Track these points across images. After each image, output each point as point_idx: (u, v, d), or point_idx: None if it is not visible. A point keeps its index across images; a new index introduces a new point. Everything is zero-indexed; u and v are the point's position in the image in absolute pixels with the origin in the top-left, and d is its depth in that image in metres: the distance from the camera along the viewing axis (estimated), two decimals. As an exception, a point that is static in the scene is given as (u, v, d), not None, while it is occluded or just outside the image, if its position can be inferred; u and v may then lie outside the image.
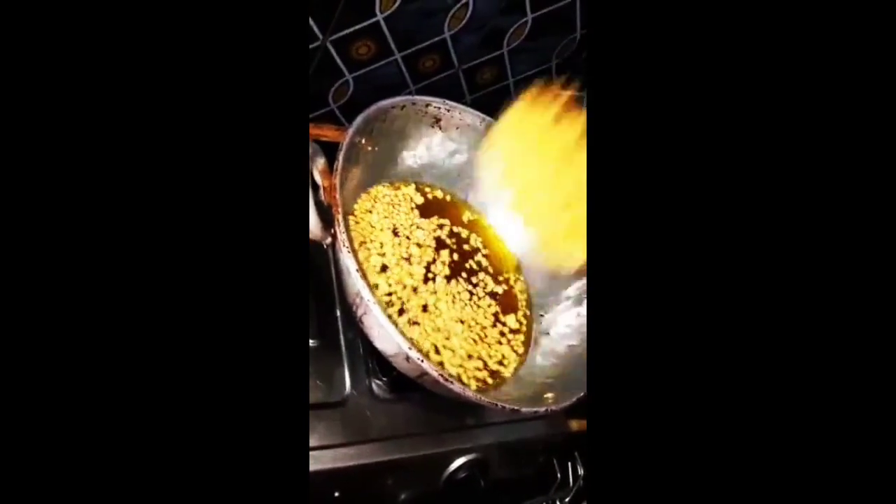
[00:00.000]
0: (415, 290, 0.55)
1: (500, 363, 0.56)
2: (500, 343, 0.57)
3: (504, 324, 0.59)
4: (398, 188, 0.61)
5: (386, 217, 0.58)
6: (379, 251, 0.56)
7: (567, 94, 0.58)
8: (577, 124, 0.57)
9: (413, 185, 0.62)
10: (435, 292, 0.56)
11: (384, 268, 0.55)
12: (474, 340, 0.55)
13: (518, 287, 0.63)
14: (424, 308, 0.54)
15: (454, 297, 0.57)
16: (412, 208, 0.61)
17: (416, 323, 0.53)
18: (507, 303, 0.60)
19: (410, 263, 0.56)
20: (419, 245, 0.59)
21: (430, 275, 0.57)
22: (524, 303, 0.62)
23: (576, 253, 0.56)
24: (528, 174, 0.58)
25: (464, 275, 0.60)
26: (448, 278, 0.58)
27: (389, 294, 0.54)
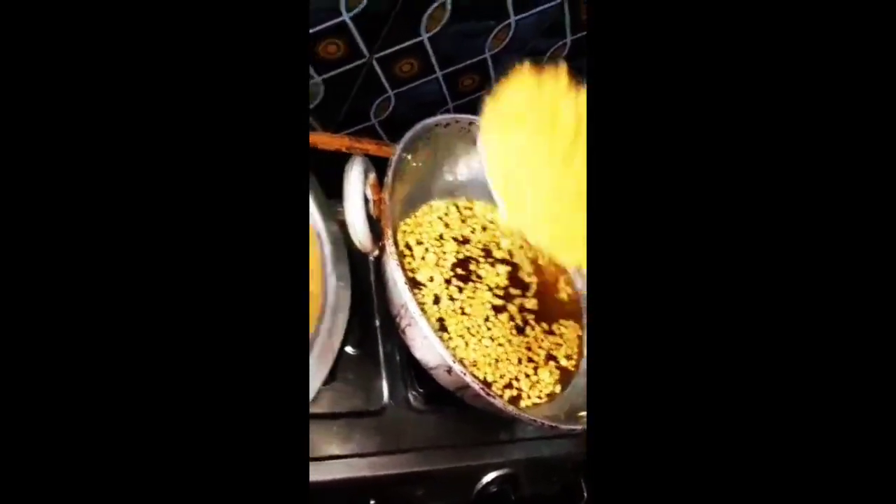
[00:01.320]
0: (463, 309, 0.56)
1: (523, 391, 0.56)
2: (528, 376, 0.57)
3: (554, 360, 0.59)
4: (458, 206, 0.63)
5: (450, 228, 0.60)
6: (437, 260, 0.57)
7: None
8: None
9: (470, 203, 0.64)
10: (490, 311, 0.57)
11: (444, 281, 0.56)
12: (512, 361, 0.56)
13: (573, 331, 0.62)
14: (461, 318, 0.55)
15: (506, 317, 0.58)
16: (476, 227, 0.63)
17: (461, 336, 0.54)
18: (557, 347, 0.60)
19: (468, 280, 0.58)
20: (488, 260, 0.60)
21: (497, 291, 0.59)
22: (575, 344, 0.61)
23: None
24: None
25: (533, 319, 0.60)
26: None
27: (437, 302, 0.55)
